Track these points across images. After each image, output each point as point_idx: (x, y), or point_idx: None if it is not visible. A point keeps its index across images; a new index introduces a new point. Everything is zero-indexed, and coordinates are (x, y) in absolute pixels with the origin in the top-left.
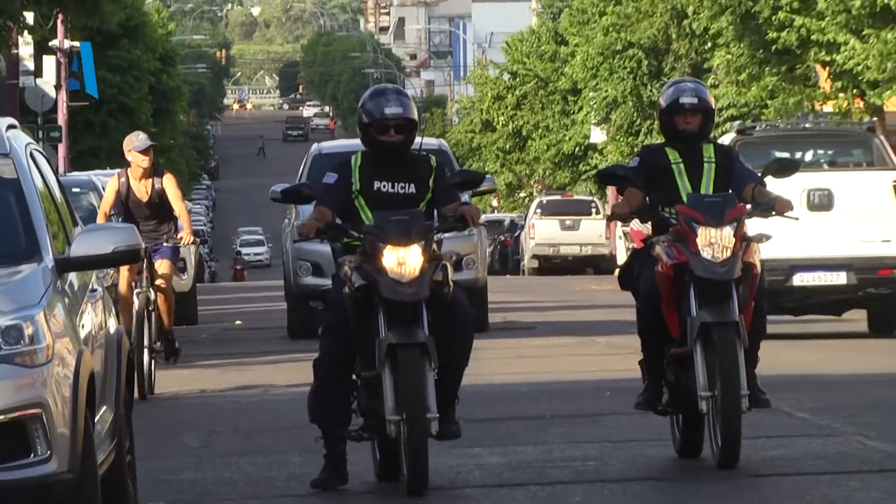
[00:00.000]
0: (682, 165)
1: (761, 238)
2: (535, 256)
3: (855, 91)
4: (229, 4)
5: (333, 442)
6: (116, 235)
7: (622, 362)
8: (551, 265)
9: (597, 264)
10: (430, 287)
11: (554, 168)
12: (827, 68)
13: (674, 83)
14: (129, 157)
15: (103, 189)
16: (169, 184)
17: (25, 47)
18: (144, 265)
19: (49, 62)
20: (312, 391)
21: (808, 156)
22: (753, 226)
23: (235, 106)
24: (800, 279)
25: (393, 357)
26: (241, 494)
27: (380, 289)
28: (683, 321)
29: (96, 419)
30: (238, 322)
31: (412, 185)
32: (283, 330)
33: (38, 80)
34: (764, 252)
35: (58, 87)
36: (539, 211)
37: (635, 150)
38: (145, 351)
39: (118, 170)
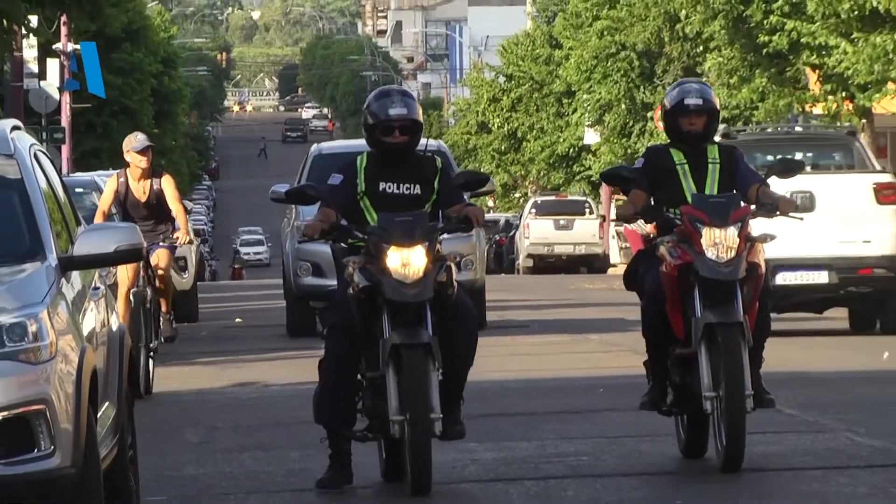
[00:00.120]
0: (686, 166)
1: (766, 238)
2: (529, 255)
3: (844, 94)
4: (230, 8)
5: (339, 442)
6: (118, 234)
7: (615, 360)
8: (546, 264)
9: (590, 263)
10: (434, 288)
11: (548, 169)
12: (816, 71)
13: (678, 84)
14: (127, 157)
15: None
16: (167, 185)
17: (30, 50)
18: (141, 265)
19: (53, 65)
20: (318, 391)
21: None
22: (758, 226)
23: (236, 108)
24: (782, 278)
25: (397, 357)
26: (242, 489)
27: (384, 289)
28: (688, 321)
29: (99, 415)
30: (238, 320)
31: (417, 187)
32: (282, 328)
33: (42, 83)
34: None
35: (61, 90)
36: (534, 211)
37: (628, 151)
38: (142, 350)
39: (119, 170)
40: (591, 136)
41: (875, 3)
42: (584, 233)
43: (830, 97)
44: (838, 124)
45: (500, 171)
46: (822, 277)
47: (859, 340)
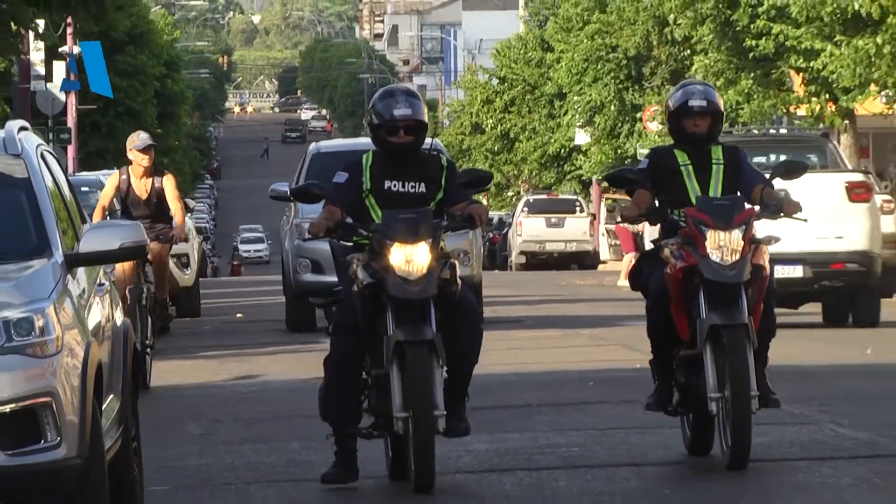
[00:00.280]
0: (690, 167)
1: (770, 240)
2: (522, 252)
3: (827, 95)
4: (231, 13)
5: (344, 439)
6: (123, 232)
7: (605, 353)
8: (537, 261)
9: (581, 260)
10: (437, 285)
11: (540, 168)
12: (801, 74)
13: (682, 86)
14: (130, 155)
15: None
16: (168, 184)
17: (36, 53)
18: (137, 262)
19: (59, 67)
20: (323, 389)
21: (767, 160)
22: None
23: (236, 109)
24: None
25: (401, 354)
26: (242, 479)
27: (387, 286)
28: (693, 323)
29: (103, 407)
30: (239, 315)
31: (423, 185)
32: (282, 323)
33: (49, 85)
34: None
35: (73, 91)
36: (526, 209)
37: (618, 151)
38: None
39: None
40: (582, 137)
41: (857, 7)
42: (574, 230)
43: (814, 99)
44: (821, 125)
45: (493, 171)
46: (797, 272)
47: (833, 333)
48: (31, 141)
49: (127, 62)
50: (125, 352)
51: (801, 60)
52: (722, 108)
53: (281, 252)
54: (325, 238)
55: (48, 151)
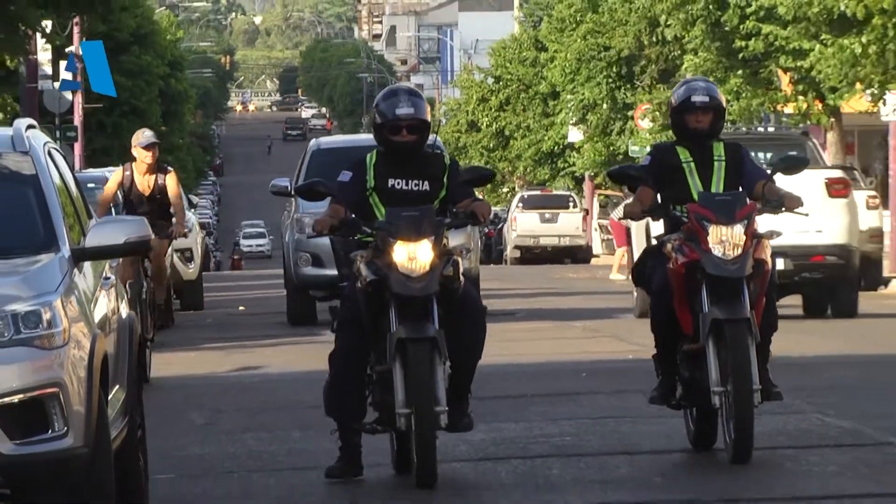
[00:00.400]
0: (692, 164)
1: (772, 235)
2: (516, 247)
3: (814, 94)
4: (233, 14)
5: (348, 435)
6: (128, 227)
7: (598, 345)
8: (532, 255)
9: (574, 254)
10: (440, 282)
11: (534, 165)
12: (788, 73)
13: (685, 82)
14: (134, 152)
15: None
16: (171, 181)
17: (44, 52)
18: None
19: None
20: (328, 385)
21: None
22: (764, 222)
23: (239, 108)
24: None
25: (403, 351)
26: (244, 468)
27: (390, 283)
28: (696, 318)
29: (109, 398)
30: (241, 308)
31: (426, 183)
32: (283, 315)
33: (56, 84)
34: None
35: (73, 91)
36: (520, 205)
37: (610, 148)
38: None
39: (126, 164)
40: (575, 135)
41: (843, 7)
42: (568, 225)
43: (801, 97)
44: (808, 123)
45: (488, 168)
46: (779, 264)
47: (813, 324)
48: (38, 139)
49: (132, 62)
50: (130, 343)
51: (790, 60)
52: (724, 105)
53: (282, 246)
54: (328, 235)
55: (55, 149)
